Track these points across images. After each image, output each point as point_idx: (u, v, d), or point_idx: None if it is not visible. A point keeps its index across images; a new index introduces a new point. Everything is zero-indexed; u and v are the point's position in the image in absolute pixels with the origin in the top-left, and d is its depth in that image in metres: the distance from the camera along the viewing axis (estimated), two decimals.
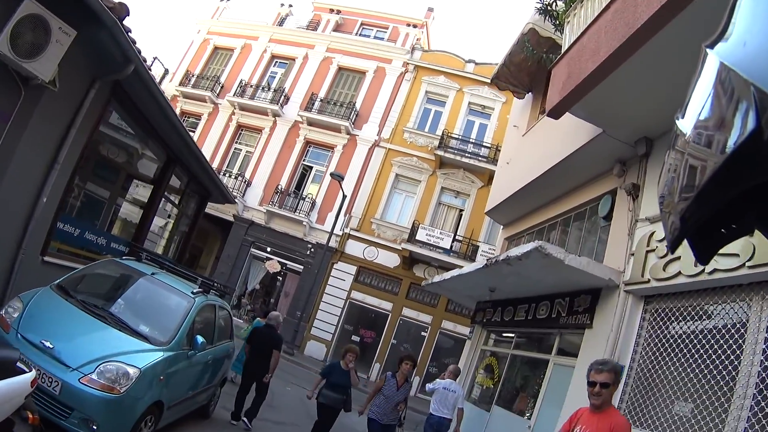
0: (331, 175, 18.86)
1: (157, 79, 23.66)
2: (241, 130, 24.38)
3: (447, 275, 10.79)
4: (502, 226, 13.53)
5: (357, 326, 21.40)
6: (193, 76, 25.56)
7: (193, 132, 24.82)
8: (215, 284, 8.06)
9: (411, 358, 7.95)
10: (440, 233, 20.34)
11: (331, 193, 21.73)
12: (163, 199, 11.24)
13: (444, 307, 20.79)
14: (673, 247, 1.42)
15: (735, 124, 0.95)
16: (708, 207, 1.14)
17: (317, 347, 20.67)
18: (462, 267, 11.39)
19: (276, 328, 8.85)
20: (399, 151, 22.25)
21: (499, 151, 21.42)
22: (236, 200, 21.28)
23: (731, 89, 1.00)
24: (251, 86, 24.26)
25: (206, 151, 23.14)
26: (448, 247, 20.08)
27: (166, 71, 25.66)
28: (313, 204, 21.79)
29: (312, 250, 21.36)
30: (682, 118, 1.31)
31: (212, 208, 22.16)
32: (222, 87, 24.87)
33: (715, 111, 1.10)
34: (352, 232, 21.41)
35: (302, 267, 21.57)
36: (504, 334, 10.94)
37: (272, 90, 23.84)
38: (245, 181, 22.48)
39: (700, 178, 1.10)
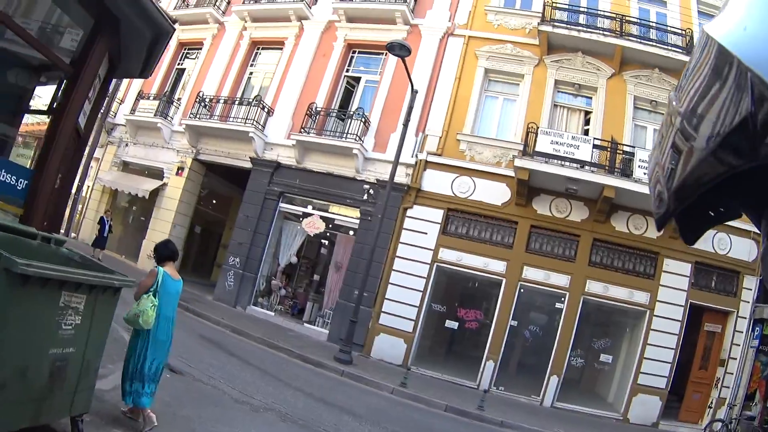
0: (389, 47, 12.56)
1: None
2: (258, 49, 18.93)
3: None
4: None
5: (452, 304, 14.72)
6: None
7: (193, 60, 20.04)
8: None
9: None
10: (572, 138, 13.76)
11: (391, 106, 15.49)
12: None
13: (587, 260, 14.14)
14: (660, 225, 1.54)
15: (729, 107, 1.02)
16: (696, 189, 1.23)
17: (391, 344, 14.10)
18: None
19: None
20: (484, 38, 15.85)
21: (626, 22, 15.39)
22: (255, 134, 15.82)
23: (728, 72, 1.06)
24: None
25: (211, 84, 18.07)
26: (588, 158, 13.57)
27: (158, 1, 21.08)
28: (367, 124, 15.73)
29: (371, 192, 15.11)
30: (676, 94, 1.45)
31: (220, 154, 16.88)
32: (228, 3, 19.74)
33: (711, 92, 1.16)
34: (431, 158, 14.96)
35: (358, 221, 15.30)
36: None
37: None
38: (264, 107, 16.66)
39: (691, 159, 1.21)
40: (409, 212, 14.86)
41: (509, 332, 14.04)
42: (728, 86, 1.03)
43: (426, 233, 14.63)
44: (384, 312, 14.46)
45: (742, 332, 13.80)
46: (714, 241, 13.90)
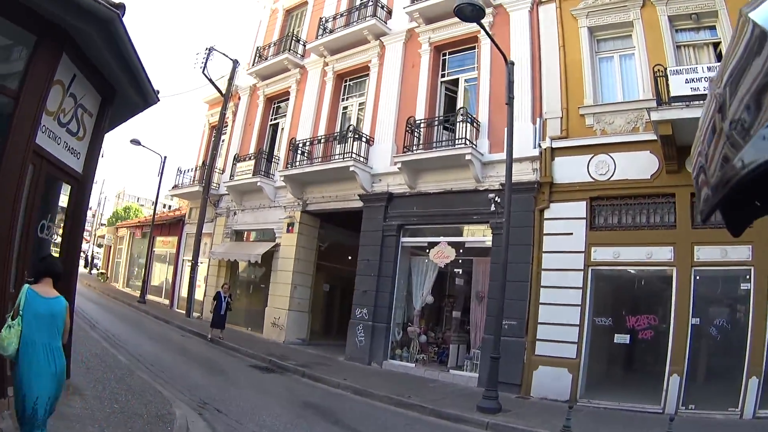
0: (457, 12, 10.77)
1: (226, 77, 18.85)
2: (346, 81, 18.88)
3: None
4: None
5: (619, 314, 12.84)
6: (268, 47, 21.55)
7: (284, 112, 20.43)
8: None
9: None
10: (708, 69, 11.59)
11: (498, 99, 14.16)
12: None
13: None
14: (705, 217, 1.69)
15: None
16: (742, 178, 1.29)
17: (554, 376, 12.38)
18: None
19: None
20: None
21: None
22: (356, 168, 15.26)
23: None
24: (341, 15, 19.00)
25: (305, 129, 18.35)
26: None
27: (236, 63, 21.80)
28: (476, 124, 14.59)
29: (497, 201, 13.79)
30: (720, 84, 1.54)
31: (328, 200, 16.41)
32: (304, 46, 20.07)
33: (755, 81, 1.22)
34: (557, 144, 13.55)
35: (490, 239, 14.05)
36: None
37: (365, 7, 18.12)
38: (362, 137, 16.32)
39: (735, 151, 1.29)
40: (546, 213, 13.46)
41: (692, 334, 11.81)
42: None
43: (571, 233, 13.09)
44: (539, 340, 12.95)
45: None
46: None
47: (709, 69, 11.71)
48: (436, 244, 14.83)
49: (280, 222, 17.93)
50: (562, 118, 13.76)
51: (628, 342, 12.53)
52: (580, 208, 13.09)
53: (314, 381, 12.61)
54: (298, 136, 18.14)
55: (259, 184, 18.48)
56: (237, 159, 19.98)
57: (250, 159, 19.14)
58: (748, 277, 11.54)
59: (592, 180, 13.07)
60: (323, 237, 18.55)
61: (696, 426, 10.34)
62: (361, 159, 15.90)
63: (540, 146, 13.68)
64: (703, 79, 11.53)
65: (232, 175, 20.12)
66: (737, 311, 12.06)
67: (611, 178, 12.90)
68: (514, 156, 12.58)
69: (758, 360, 11.08)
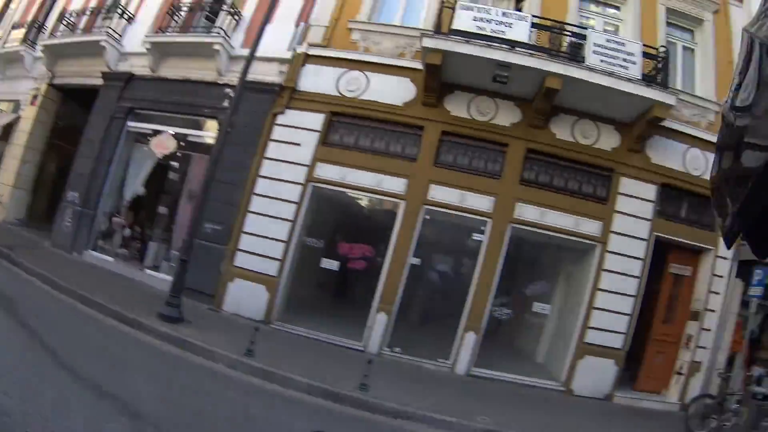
0: None
1: None
2: None
3: None
4: None
5: (333, 238, 11.82)
6: None
7: None
8: None
9: None
10: (503, 15, 10.63)
11: None
12: None
13: (517, 177, 11.09)
14: (729, 243, 1.52)
15: None
16: (760, 202, 1.20)
17: (250, 292, 11.11)
18: None
19: None
20: None
21: None
22: (107, 43, 13.59)
23: None
24: None
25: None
26: (525, 39, 10.42)
27: None
28: (237, 17, 13.03)
29: (232, 95, 12.26)
30: (731, 106, 1.45)
31: (73, 74, 14.52)
32: None
33: (763, 97, 1.17)
34: (313, 51, 12.13)
35: (214, 135, 12.33)
36: None
37: None
38: (125, 15, 14.32)
39: (751, 172, 1.18)
40: (280, 119, 12.02)
41: (409, 274, 10.94)
42: None
43: (299, 144, 11.75)
44: (241, 250, 11.51)
45: (722, 276, 11.35)
46: (686, 159, 11.45)
47: (504, 14, 10.74)
48: (159, 133, 13.14)
49: (28, 94, 15.86)
50: (328, 27, 12.35)
51: (336, 269, 11.41)
52: (316, 120, 11.77)
53: (12, 264, 10.85)
54: (73, 7, 16.03)
55: (21, 52, 16.23)
56: (14, 26, 17.67)
57: (23, 27, 17.04)
58: (482, 228, 10.96)
59: (338, 94, 11.80)
60: (63, 115, 16.32)
61: (401, 373, 9.60)
62: (116, 35, 13.93)
63: (295, 50, 12.22)
64: (493, 22, 10.56)
65: (4, 42, 17.75)
66: (465, 261, 11.63)
67: (360, 97, 11.67)
68: (265, 54, 11.31)
69: (478, 315, 10.60)
